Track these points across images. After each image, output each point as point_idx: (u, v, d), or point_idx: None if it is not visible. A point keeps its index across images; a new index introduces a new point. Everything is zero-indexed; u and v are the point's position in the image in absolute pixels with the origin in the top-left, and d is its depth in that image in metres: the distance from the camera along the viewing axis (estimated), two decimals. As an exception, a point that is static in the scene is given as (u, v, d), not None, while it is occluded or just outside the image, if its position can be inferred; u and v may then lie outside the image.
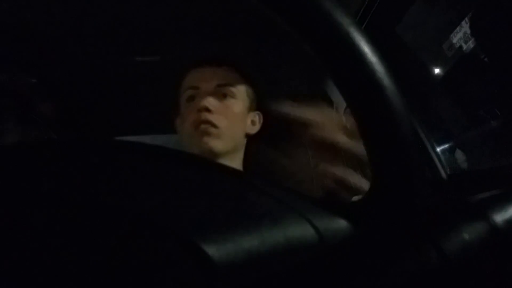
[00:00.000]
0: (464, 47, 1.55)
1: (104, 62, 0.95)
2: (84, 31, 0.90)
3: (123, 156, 0.28)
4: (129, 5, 0.86)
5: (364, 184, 0.41)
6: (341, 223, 0.28)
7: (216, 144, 0.79)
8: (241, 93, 0.86)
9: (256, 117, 0.90)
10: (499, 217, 0.31)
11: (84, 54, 0.94)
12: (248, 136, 0.89)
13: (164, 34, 0.96)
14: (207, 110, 0.79)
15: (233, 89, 0.84)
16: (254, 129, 0.90)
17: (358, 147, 0.40)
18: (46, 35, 0.89)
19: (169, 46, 0.99)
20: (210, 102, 0.80)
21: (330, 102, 1.17)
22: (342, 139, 0.41)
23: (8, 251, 0.18)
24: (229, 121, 0.82)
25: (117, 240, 0.19)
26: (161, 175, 0.26)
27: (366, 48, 0.28)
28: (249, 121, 0.89)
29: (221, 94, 0.83)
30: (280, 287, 0.22)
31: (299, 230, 0.25)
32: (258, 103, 0.91)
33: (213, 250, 0.20)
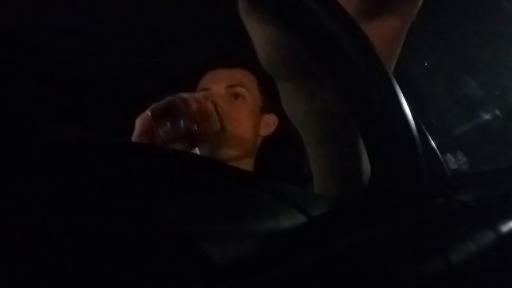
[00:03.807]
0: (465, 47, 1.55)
1: (106, 64, 0.95)
2: (86, 33, 0.90)
3: (123, 156, 0.28)
4: (130, 6, 0.86)
5: None
6: (342, 218, 0.28)
7: (224, 149, 0.79)
8: (253, 94, 0.85)
9: (271, 119, 0.88)
10: (505, 227, 0.30)
11: (86, 56, 0.95)
12: (262, 138, 0.88)
13: (165, 35, 0.96)
14: None
15: (244, 90, 0.83)
16: (268, 131, 0.88)
17: None
18: (47, 38, 0.89)
19: (170, 48, 0.99)
20: (219, 105, 0.79)
21: None
22: None
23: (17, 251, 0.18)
24: (239, 123, 0.81)
25: (115, 238, 0.19)
26: (156, 174, 0.26)
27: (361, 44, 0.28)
28: (263, 123, 0.87)
29: (232, 95, 0.82)
30: (276, 282, 0.22)
31: (297, 226, 0.25)
32: (273, 105, 0.89)
33: (208, 246, 0.20)
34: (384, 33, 0.34)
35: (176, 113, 0.68)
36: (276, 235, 0.24)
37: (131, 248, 0.19)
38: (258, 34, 0.35)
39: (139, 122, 0.72)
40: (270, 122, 0.88)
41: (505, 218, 0.33)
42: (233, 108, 0.81)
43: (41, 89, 0.94)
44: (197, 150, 0.80)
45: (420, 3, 0.35)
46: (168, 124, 0.68)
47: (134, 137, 0.71)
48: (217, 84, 0.83)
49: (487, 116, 1.61)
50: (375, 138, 0.29)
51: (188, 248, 0.20)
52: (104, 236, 0.19)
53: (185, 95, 0.72)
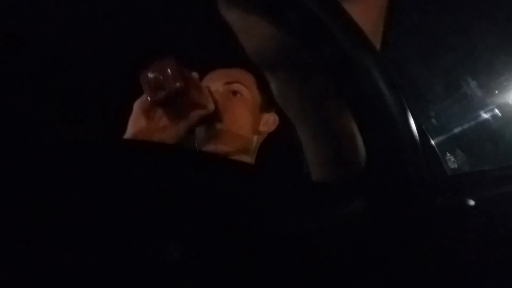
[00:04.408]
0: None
1: (106, 64, 0.95)
2: (86, 33, 0.90)
3: (123, 156, 0.28)
4: (130, 6, 0.86)
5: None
6: (340, 207, 0.28)
7: (220, 145, 0.79)
8: (251, 92, 0.86)
9: (271, 118, 0.88)
10: (505, 226, 0.30)
11: (86, 56, 0.95)
12: (263, 137, 0.88)
13: (165, 35, 0.96)
14: None
15: (242, 87, 0.84)
16: (268, 130, 0.87)
17: None
18: (46, 37, 0.90)
19: (170, 48, 0.99)
20: (218, 100, 0.80)
21: None
22: None
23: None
24: (237, 119, 0.82)
25: (116, 238, 0.19)
26: (155, 173, 0.26)
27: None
28: (263, 122, 0.88)
29: (231, 92, 0.83)
30: (279, 278, 0.22)
31: (299, 217, 0.25)
32: (274, 105, 0.89)
33: (208, 244, 0.20)
34: (367, 11, 0.35)
35: (164, 71, 0.66)
36: (276, 231, 0.24)
37: (132, 247, 0.19)
38: (244, 27, 0.35)
39: (135, 104, 0.72)
40: (270, 121, 0.88)
41: (505, 217, 0.33)
42: (231, 104, 0.81)
43: (41, 89, 0.94)
44: (195, 145, 0.80)
45: None
46: (154, 76, 0.66)
47: (130, 120, 0.72)
48: (215, 82, 0.83)
49: (487, 116, 1.61)
50: (369, 128, 0.28)
51: (188, 246, 0.20)
52: (105, 235, 0.19)
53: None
